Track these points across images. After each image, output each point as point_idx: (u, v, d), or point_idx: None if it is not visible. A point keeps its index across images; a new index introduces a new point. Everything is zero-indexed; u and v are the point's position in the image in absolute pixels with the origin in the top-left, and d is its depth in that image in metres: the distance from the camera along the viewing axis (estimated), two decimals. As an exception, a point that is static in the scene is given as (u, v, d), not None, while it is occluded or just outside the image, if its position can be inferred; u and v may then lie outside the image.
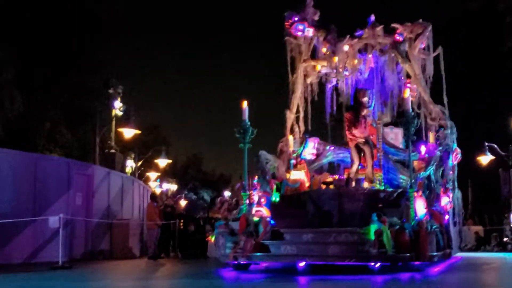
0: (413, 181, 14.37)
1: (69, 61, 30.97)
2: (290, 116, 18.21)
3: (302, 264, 13.45)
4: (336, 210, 15.49)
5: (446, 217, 15.77)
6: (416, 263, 13.27)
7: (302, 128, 18.40)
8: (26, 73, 28.75)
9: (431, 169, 15.57)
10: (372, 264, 13.06)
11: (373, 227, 13.49)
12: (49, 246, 19.33)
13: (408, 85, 18.38)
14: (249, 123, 14.92)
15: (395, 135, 19.12)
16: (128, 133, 29.63)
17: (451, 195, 15.72)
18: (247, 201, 15.00)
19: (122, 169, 32.10)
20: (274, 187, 16.66)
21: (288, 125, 18.21)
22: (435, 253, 13.85)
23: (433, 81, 17.85)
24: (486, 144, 26.62)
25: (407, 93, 14.51)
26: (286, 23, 17.57)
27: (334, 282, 11.73)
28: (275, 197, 16.52)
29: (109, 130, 29.52)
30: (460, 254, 19.22)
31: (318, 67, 17.71)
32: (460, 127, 17.31)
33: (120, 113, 29.12)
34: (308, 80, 18.19)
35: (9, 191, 18.96)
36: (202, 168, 64.14)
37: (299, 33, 17.47)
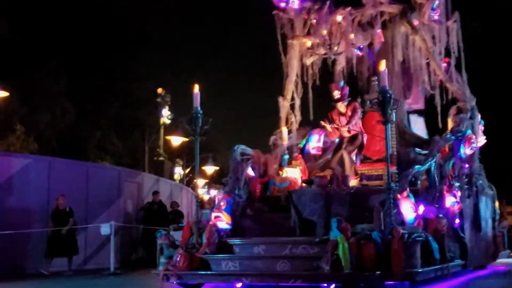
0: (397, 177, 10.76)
1: (117, 72, 30.30)
2: (284, 104, 14.66)
3: (239, 285, 10.12)
4: (318, 214, 11.80)
5: (456, 221, 11.78)
6: (389, 283, 9.56)
7: (299, 117, 14.72)
8: (77, 84, 27.66)
9: (431, 162, 11.63)
10: (325, 285, 9.47)
11: (332, 237, 9.88)
12: (101, 253, 18.96)
13: (444, 64, 14.38)
14: (201, 112, 11.67)
15: (414, 122, 15.29)
16: (176, 140, 28.17)
17: (459, 194, 11.65)
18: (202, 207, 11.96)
19: (171, 176, 30.83)
20: (259, 187, 13.16)
21: (282, 115, 14.67)
22: (418, 270, 9.96)
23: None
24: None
25: (382, 66, 10.72)
26: None
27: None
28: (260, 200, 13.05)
29: (158, 138, 28.31)
30: (502, 262, 15.75)
31: (308, 43, 14.02)
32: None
33: (168, 121, 27.78)
34: (308, 61, 14.50)
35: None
36: (249, 174, 60.25)
37: (283, 4, 13.89)
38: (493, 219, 14.57)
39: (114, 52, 29.71)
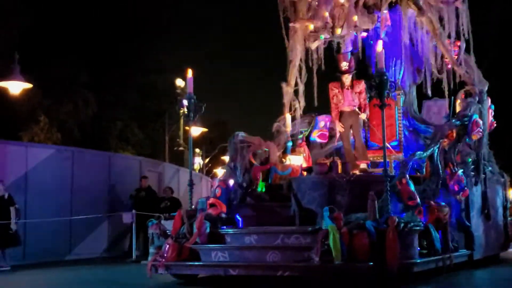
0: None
1: (138, 64, 29.63)
2: (288, 90, 13.79)
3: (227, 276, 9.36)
4: (317, 203, 10.95)
5: (462, 209, 10.93)
6: (385, 274, 8.77)
7: (303, 104, 13.84)
8: (98, 76, 27.21)
9: (434, 148, 10.75)
10: (316, 276, 8.75)
11: (324, 226, 9.09)
12: (123, 241, 18.81)
13: (456, 48, 13.40)
14: (194, 97, 10.98)
15: (439, 108, 14.31)
16: (196, 131, 27.54)
17: (463, 181, 10.73)
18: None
19: None
20: (260, 175, 12.37)
21: (286, 101, 13.81)
22: (416, 260, 9.12)
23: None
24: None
25: (379, 47, 9.87)
26: None
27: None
28: (261, 187, 12.24)
29: (178, 129, 27.61)
30: None
31: (311, 27, 13.12)
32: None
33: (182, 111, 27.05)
34: (313, 46, 13.59)
35: (87, 188, 18.20)
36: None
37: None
38: (504, 207, 13.54)
39: (135, 44, 29.27)
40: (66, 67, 26.29)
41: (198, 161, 35.36)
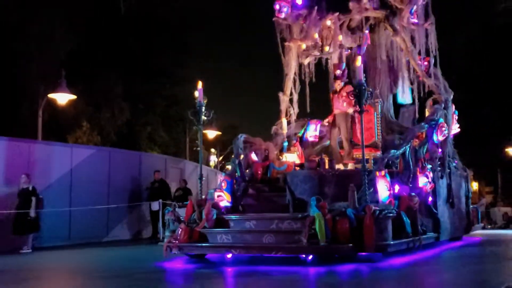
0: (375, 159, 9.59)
1: (164, 77, 29.79)
2: (284, 99, 13.54)
3: (229, 255, 9.07)
4: (307, 194, 10.68)
5: (429, 198, 10.61)
6: (363, 253, 8.53)
7: (296, 110, 13.58)
8: (131, 88, 27.06)
9: (406, 147, 10.45)
10: (304, 256, 8.45)
11: (311, 213, 8.82)
12: (147, 226, 18.64)
13: (426, 63, 13.08)
14: (203, 105, 10.72)
15: (409, 113, 13.96)
16: (211, 134, 27.45)
17: (430, 175, 10.44)
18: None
19: (207, 163, 29.60)
20: (260, 170, 12.10)
21: (282, 108, 13.57)
22: (390, 242, 8.85)
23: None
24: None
25: (358, 62, 9.58)
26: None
27: (255, 274, 7.86)
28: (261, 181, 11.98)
29: (196, 132, 27.30)
30: (477, 233, 14.92)
31: (304, 46, 12.86)
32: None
33: (205, 118, 26.69)
34: (305, 61, 13.33)
35: (121, 181, 18.17)
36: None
37: (282, 14, 12.74)
38: (467, 197, 13.23)
39: (161, 61, 28.96)
40: (104, 81, 26.05)
41: (213, 159, 35.06)
